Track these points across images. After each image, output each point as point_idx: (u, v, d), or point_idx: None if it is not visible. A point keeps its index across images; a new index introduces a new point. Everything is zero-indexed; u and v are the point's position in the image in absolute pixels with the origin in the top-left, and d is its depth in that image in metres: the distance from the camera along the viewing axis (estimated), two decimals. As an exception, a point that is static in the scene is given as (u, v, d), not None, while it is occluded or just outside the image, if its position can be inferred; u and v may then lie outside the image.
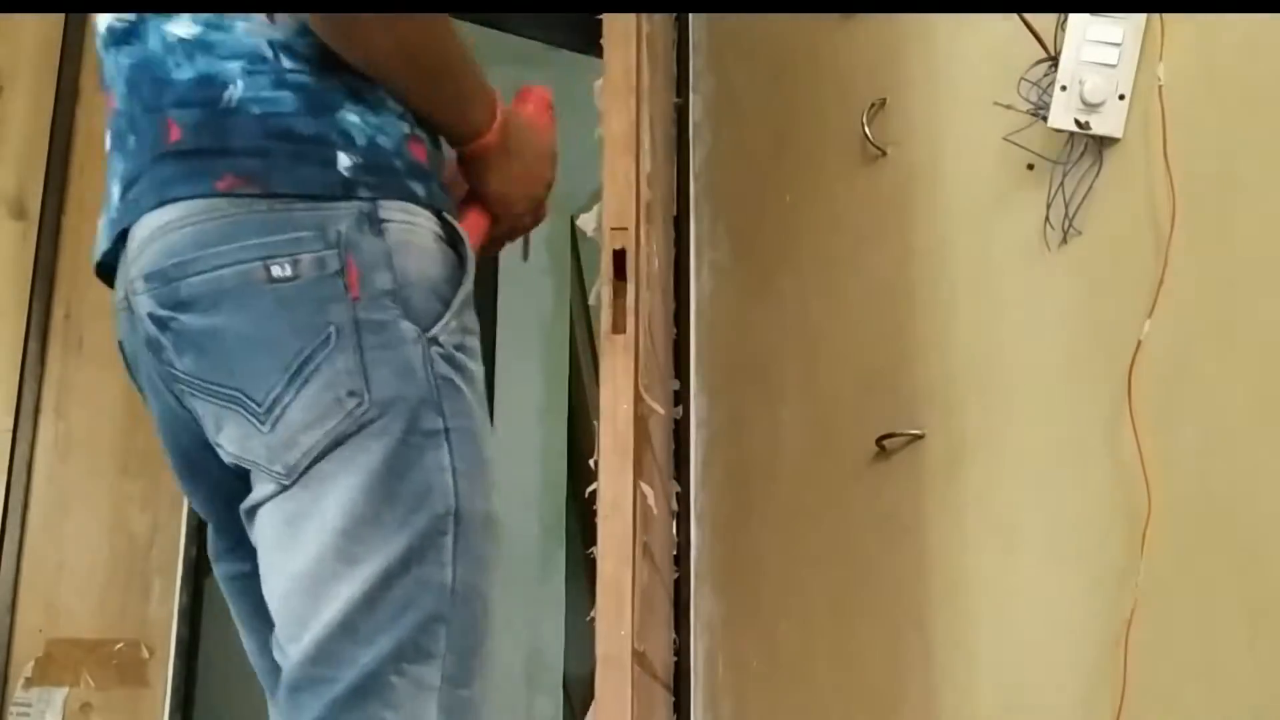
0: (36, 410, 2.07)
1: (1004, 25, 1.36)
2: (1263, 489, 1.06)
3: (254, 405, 0.91)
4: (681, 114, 2.26)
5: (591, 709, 1.62)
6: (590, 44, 2.14)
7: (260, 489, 0.94)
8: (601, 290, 1.81)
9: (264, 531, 0.96)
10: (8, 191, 2.12)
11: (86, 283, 2.15)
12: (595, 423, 1.71)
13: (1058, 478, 1.29)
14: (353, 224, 0.92)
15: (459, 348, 0.96)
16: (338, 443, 0.90)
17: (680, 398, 2.12)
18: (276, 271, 0.90)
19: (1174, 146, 1.16)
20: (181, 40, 0.96)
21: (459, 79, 1.02)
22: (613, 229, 1.77)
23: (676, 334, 2.15)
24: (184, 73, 0.95)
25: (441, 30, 0.99)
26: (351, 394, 0.90)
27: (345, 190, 0.92)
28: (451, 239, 0.99)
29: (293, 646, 0.93)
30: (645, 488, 1.66)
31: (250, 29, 0.95)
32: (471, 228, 1.06)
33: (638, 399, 1.69)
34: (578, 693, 3.88)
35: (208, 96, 0.94)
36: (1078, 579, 1.24)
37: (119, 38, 1.04)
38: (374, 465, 0.91)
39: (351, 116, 0.95)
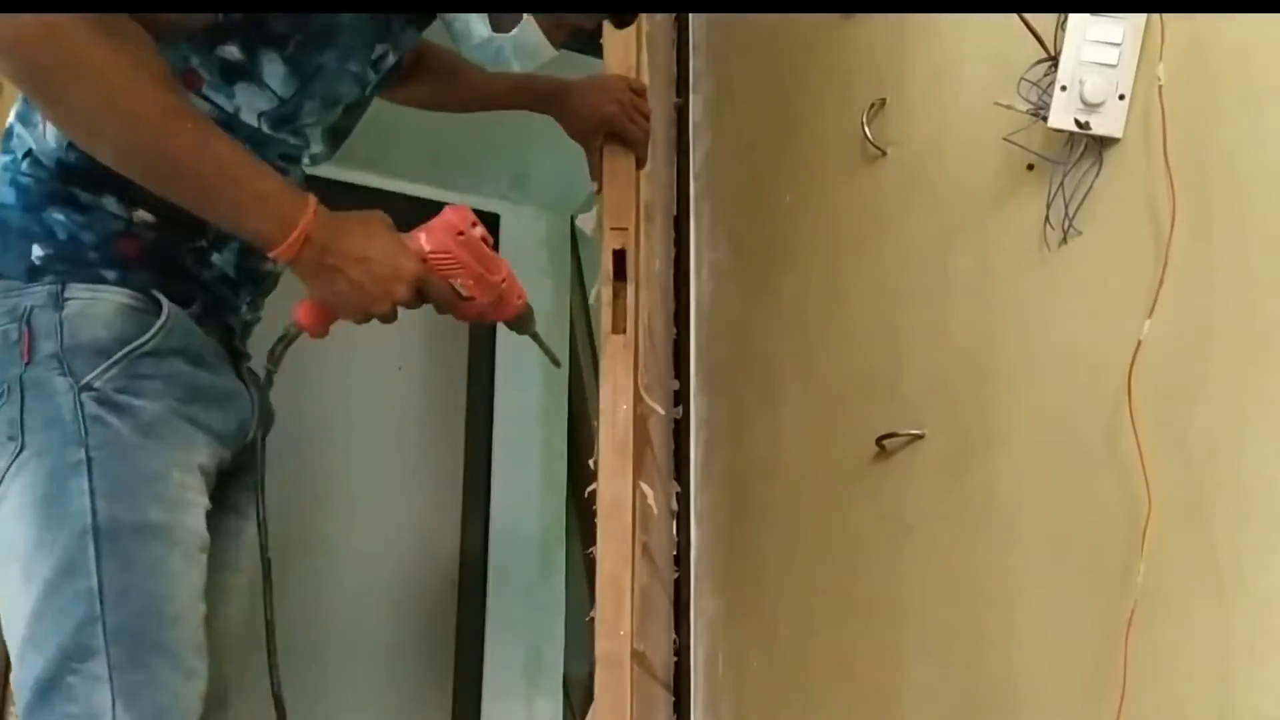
0: (36, 410, 2.06)
1: (1004, 25, 1.36)
2: (1263, 489, 1.06)
3: None
4: (681, 114, 2.26)
5: (592, 709, 1.62)
6: (590, 44, 2.13)
7: None
8: (601, 290, 1.81)
9: None
10: (8, 191, 2.12)
11: (86, 283, 2.14)
12: (595, 422, 1.71)
13: (1058, 478, 1.29)
14: (40, 302, 1.14)
15: (122, 390, 1.14)
16: (7, 478, 1.12)
17: (680, 398, 2.12)
18: None
19: (1174, 146, 1.16)
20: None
21: (224, 196, 1.13)
22: (612, 229, 1.77)
23: (676, 334, 2.15)
24: None
25: (213, 152, 1.11)
26: (10, 438, 1.12)
27: (31, 275, 1.15)
28: (150, 308, 1.18)
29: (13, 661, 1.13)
30: (645, 488, 1.66)
31: (22, 134, 1.18)
32: (305, 313, 1.21)
33: (637, 399, 1.69)
34: (578, 693, 3.88)
35: None
36: (1078, 579, 1.24)
37: None
38: (30, 499, 1.11)
39: (58, 215, 1.16)
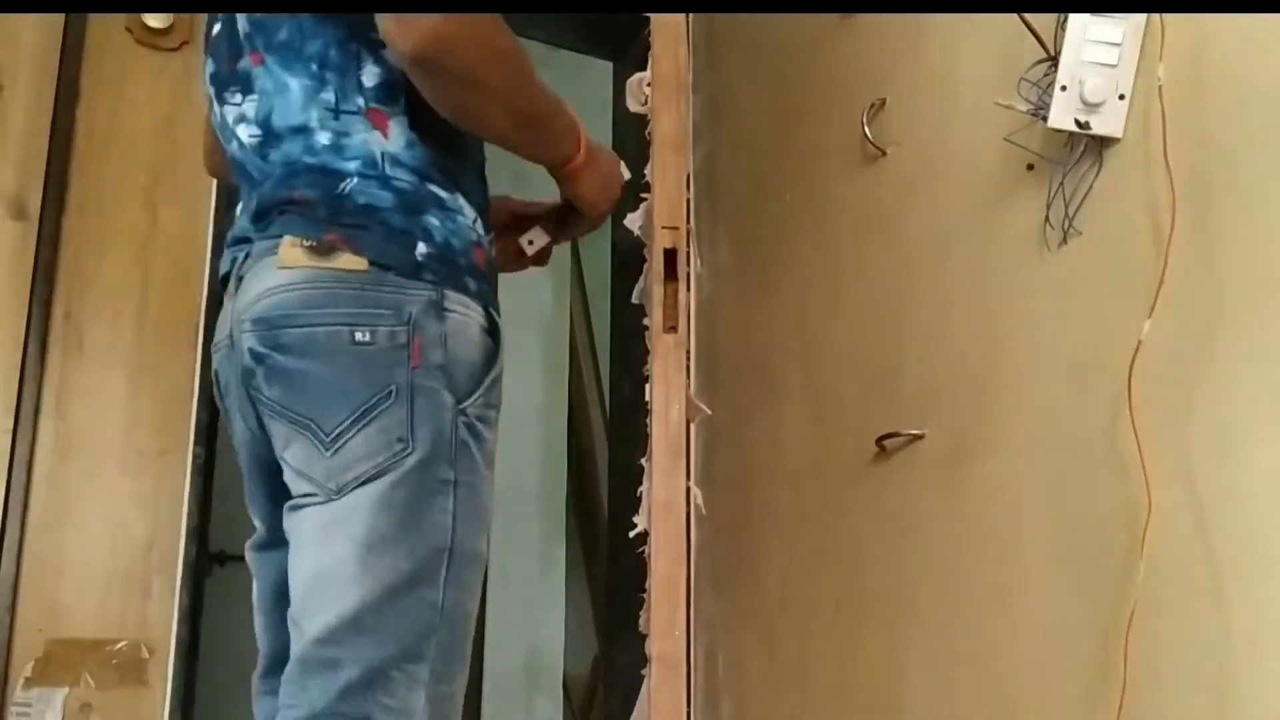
0: (36, 410, 2.07)
1: (1004, 25, 1.36)
2: (1263, 489, 1.06)
3: (322, 434, 1.17)
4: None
5: (638, 707, 1.62)
6: (590, 44, 2.14)
7: (306, 496, 1.20)
8: (651, 289, 1.81)
9: (303, 528, 1.20)
10: (8, 191, 2.12)
11: (86, 283, 2.15)
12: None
13: (1058, 478, 1.29)
14: (422, 308, 1.19)
15: (480, 419, 1.23)
16: (379, 474, 1.16)
17: (680, 398, 2.12)
18: (359, 336, 1.17)
19: (1174, 146, 1.16)
20: (312, 139, 1.24)
21: (553, 125, 1.32)
22: (663, 228, 1.78)
23: (676, 334, 2.15)
24: (308, 159, 1.23)
25: (540, 93, 1.28)
26: (400, 439, 1.16)
27: (415, 271, 1.20)
28: (492, 330, 1.27)
29: (309, 624, 1.17)
30: (695, 489, 1.67)
31: (368, 139, 1.23)
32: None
33: (689, 400, 1.70)
34: (578, 693, 3.88)
35: (328, 184, 1.22)
36: (1078, 579, 1.24)
37: (263, 141, 1.29)
38: (398, 498, 1.16)
39: (433, 220, 1.23)
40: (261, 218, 1.25)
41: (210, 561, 2.78)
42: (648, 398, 1.81)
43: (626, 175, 1.50)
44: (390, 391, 1.16)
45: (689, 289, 1.74)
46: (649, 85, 1.97)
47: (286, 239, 1.20)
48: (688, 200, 1.82)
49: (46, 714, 1.99)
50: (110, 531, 2.09)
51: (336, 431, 1.17)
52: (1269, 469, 1.05)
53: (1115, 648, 1.15)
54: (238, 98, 1.31)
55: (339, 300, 1.18)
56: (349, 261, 1.19)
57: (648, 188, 1.96)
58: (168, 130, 2.24)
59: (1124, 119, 1.23)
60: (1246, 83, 1.12)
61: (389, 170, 1.23)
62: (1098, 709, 1.18)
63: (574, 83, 3.25)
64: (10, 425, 2.04)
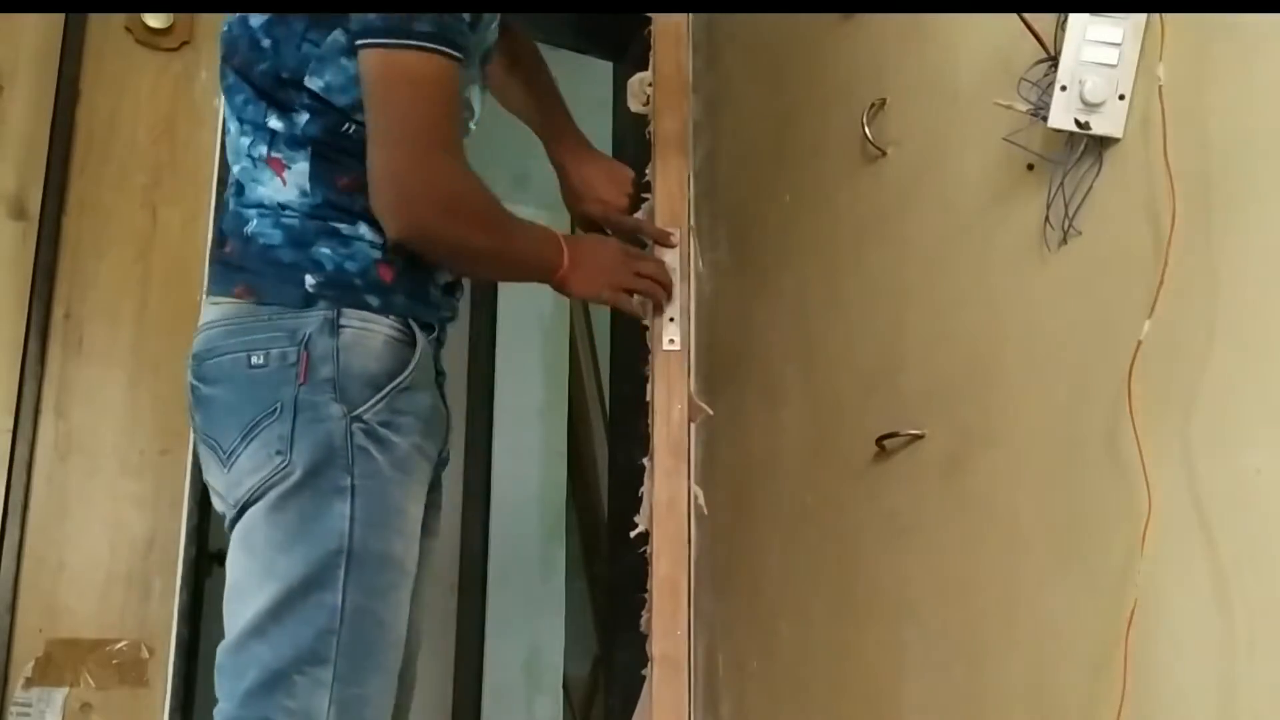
0: (36, 410, 2.07)
1: (1004, 25, 1.35)
2: (1263, 489, 1.06)
3: (221, 452, 1.28)
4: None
5: (639, 707, 1.62)
6: (590, 44, 2.14)
7: (225, 514, 1.32)
8: None
9: (230, 546, 1.31)
10: (8, 191, 2.12)
11: (86, 283, 2.15)
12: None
13: (1058, 478, 1.29)
14: (317, 327, 1.27)
15: (384, 424, 1.28)
16: (267, 487, 1.24)
17: (680, 398, 2.12)
18: (254, 360, 1.26)
19: (1174, 146, 1.16)
20: (238, 184, 1.39)
21: (535, 258, 1.48)
22: (666, 228, 1.77)
23: (676, 334, 2.15)
24: (231, 204, 1.39)
25: (519, 239, 1.45)
26: (279, 452, 1.23)
27: (306, 302, 1.29)
28: (408, 339, 1.34)
29: (227, 636, 1.27)
30: (697, 489, 1.67)
31: (268, 186, 1.35)
32: None
33: (691, 401, 1.70)
34: (578, 693, 3.88)
35: (239, 225, 1.36)
36: (1078, 579, 1.24)
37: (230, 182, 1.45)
38: (289, 508, 1.23)
39: (324, 249, 1.31)
40: (210, 269, 1.43)
41: (210, 561, 2.78)
42: (648, 398, 1.81)
43: (627, 178, 1.63)
44: (275, 408, 1.24)
45: (691, 289, 1.74)
46: (650, 85, 1.97)
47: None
48: (688, 200, 1.82)
49: (46, 714, 1.99)
50: (110, 531, 2.09)
51: (230, 449, 1.26)
52: (1269, 469, 1.05)
53: (1115, 648, 1.15)
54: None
55: (247, 330, 1.30)
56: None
57: (648, 187, 1.95)
58: (168, 130, 2.24)
59: (1124, 119, 1.23)
60: (1246, 83, 1.12)
61: (280, 212, 1.34)
62: (1098, 709, 1.18)
63: (574, 83, 3.25)
64: (10, 425, 2.04)
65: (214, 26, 2.29)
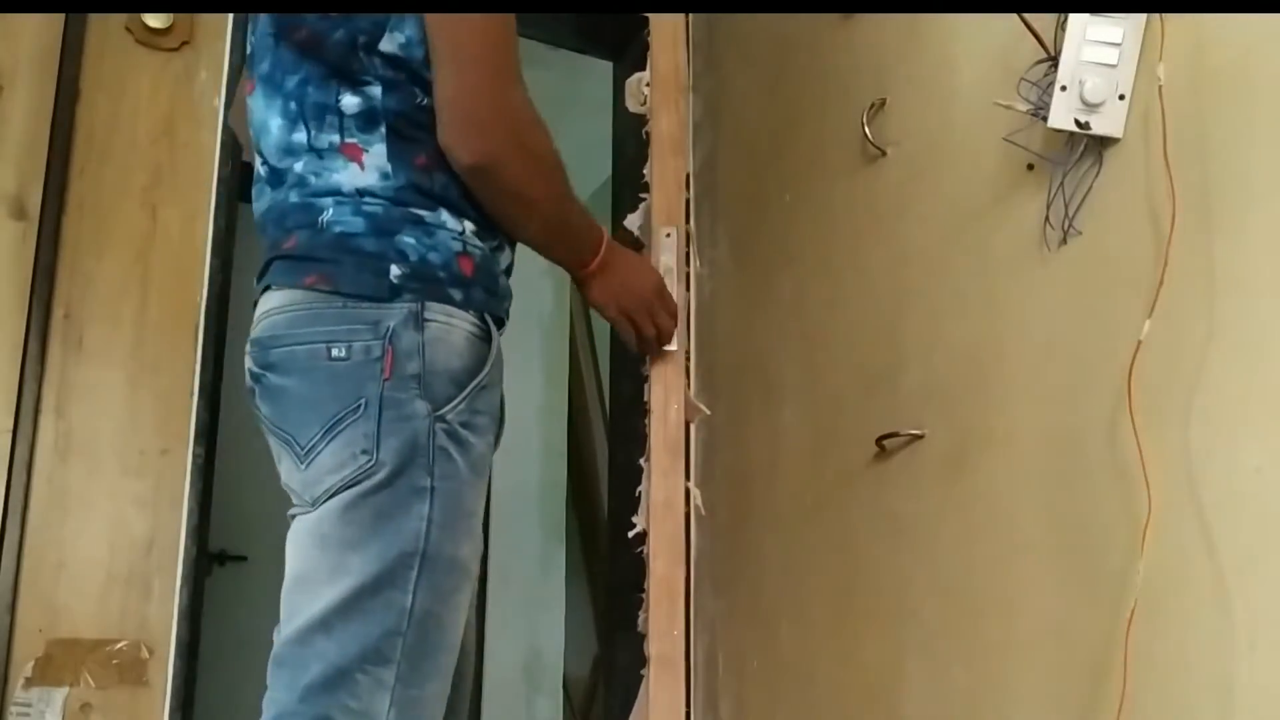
0: (36, 410, 2.06)
1: (1004, 25, 1.36)
2: (1263, 489, 1.06)
3: (298, 447, 1.22)
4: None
5: (636, 706, 1.61)
6: (590, 44, 2.14)
7: (295, 507, 1.27)
8: None
9: (291, 539, 1.26)
10: (8, 191, 2.12)
11: (86, 283, 2.14)
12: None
13: (1058, 478, 1.29)
14: (401, 321, 1.22)
15: (464, 425, 1.25)
16: (348, 486, 1.19)
17: (680, 398, 2.12)
18: (335, 353, 1.21)
19: (1174, 146, 1.16)
20: (300, 178, 1.31)
21: (578, 237, 1.43)
22: (663, 228, 1.77)
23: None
24: (294, 198, 1.31)
25: (573, 207, 1.39)
26: (364, 451, 1.19)
27: (392, 293, 1.23)
28: (485, 335, 1.30)
29: (286, 626, 1.23)
30: (694, 489, 1.67)
31: (343, 174, 1.29)
32: None
33: (688, 400, 1.69)
34: (578, 693, 3.88)
35: (309, 218, 1.29)
36: (1078, 579, 1.24)
37: (268, 180, 1.38)
38: (367, 506, 1.19)
39: (408, 239, 1.26)
40: (265, 267, 1.34)
41: (210, 561, 2.78)
42: (647, 398, 1.81)
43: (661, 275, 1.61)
44: (359, 405, 1.20)
45: (689, 289, 1.74)
46: (648, 85, 1.97)
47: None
48: (687, 200, 1.82)
49: (46, 714, 1.99)
50: (110, 531, 2.09)
51: (309, 445, 1.21)
52: (1269, 469, 1.05)
53: (1115, 648, 1.15)
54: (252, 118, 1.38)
55: (321, 319, 1.23)
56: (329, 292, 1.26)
57: (645, 187, 1.96)
58: (168, 130, 2.24)
59: (1124, 119, 1.23)
60: (1246, 83, 1.12)
61: (362, 198, 1.28)
62: (1098, 709, 1.18)
63: (574, 83, 3.26)
64: (10, 425, 2.04)
65: (214, 26, 2.30)
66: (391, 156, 1.29)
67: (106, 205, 2.18)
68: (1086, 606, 1.23)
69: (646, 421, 1.77)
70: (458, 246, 1.30)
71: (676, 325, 1.64)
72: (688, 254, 2.14)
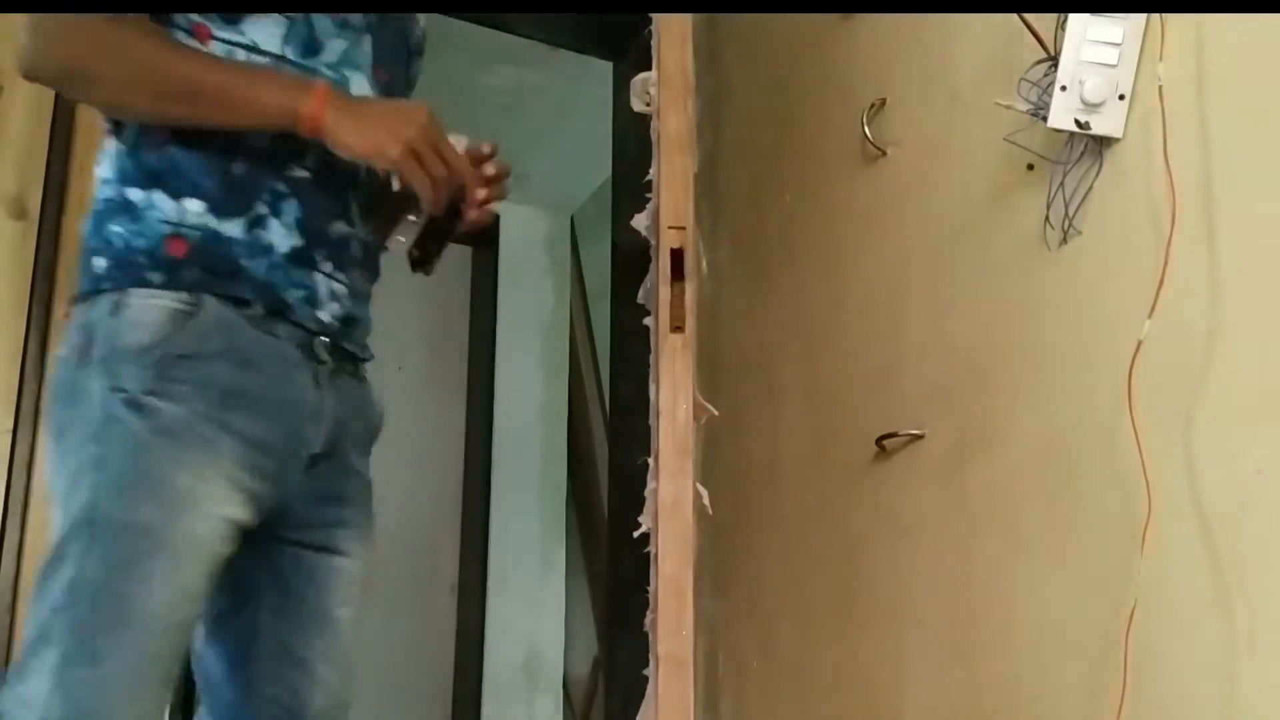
0: (36, 410, 2.06)
1: (1004, 25, 1.36)
2: (1262, 489, 1.06)
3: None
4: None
5: (644, 707, 1.61)
6: (590, 44, 2.13)
7: None
8: (657, 289, 1.80)
9: None
10: (8, 191, 2.12)
11: (86, 283, 2.14)
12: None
13: (1058, 478, 1.29)
14: (104, 311, 1.21)
15: (150, 393, 1.17)
16: (51, 473, 1.20)
17: (680, 398, 2.12)
18: (62, 352, 1.23)
19: (1174, 146, 1.16)
20: None
21: (229, 90, 1.23)
22: (670, 228, 1.77)
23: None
24: None
25: (186, 64, 1.23)
26: (57, 439, 1.20)
27: (96, 285, 1.22)
28: (192, 311, 1.22)
29: None
30: (701, 489, 1.66)
31: (97, 169, 1.30)
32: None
33: (696, 400, 1.69)
34: (578, 693, 3.88)
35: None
36: (1078, 579, 1.24)
37: None
38: (57, 490, 1.18)
39: (116, 228, 1.23)
40: None
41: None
42: (650, 397, 1.81)
43: (466, 145, 1.30)
44: (61, 399, 1.22)
45: (695, 289, 1.74)
46: (653, 85, 1.97)
47: None
48: (692, 200, 1.82)
49: (46, 714, 1.99)
50: (110, 531, 2.09)
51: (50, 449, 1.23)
52: (1269, 469, 1.05)
53: (1115, 648, 1.15)
54: None
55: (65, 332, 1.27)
56: None
57: (648, 187, 1.96)
58: (168, 130, 2.24)
59: (1124, 119, 1.23)
60: (1246, 83, 1.12)
61: (97, 192, 1.29)
62: (1098, 709, 1.18)
63: (574, 83, 3.26)
64: (10, 425, 2.04)
65: (214, 26, 2.30)
66: (116, 142, 1.29)
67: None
68: (1086, 606, 1.22)
69: (648, 421, 1.77)
70: (167, 230, 1.23)
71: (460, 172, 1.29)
72: (696, 253, 2.14)
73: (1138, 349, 1.17)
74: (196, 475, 1.18)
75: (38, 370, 2.07)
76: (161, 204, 1.24)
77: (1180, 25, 1.18)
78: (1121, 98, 1.22)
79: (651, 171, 1.94)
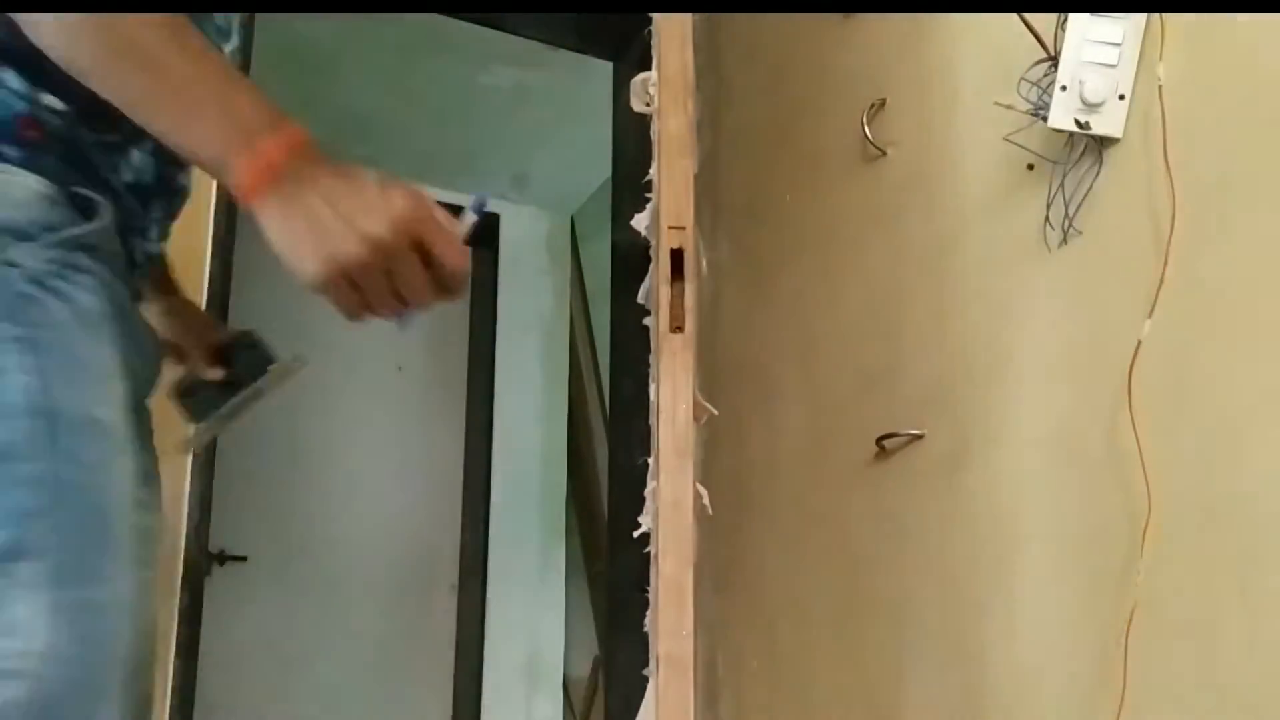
0: (36, 410, 2.06)
1: (1004, 25, 1.36)
2: (1263, 489, 1.06)
3: None
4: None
5: (644, 707, 1.61)
6: (590, 44, 2.13)
7: None
8: (657, 289, 1.80)
9: None
10: (8, 191, 2.11)
11: (86, 283, 2.14)
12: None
13: (1058, 478, 1.29)
14: None
15: (55, 275, 0.98)
16: None
17: (680, 398, 2.12)
18: None
19: (1174, 146, 1.16)
20: None
21: (171, 85, 0.95)
22: (670, 228, 1.77)
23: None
24: None
25: (187, 45, 0.96)
26: None
27: None
28: (64, 202, 1.02)
29: None
30: (701, 489, 1.66)
31: None
32: None
33: (696, 400, 1.69)
34: (578, 693, 3.88)
35: None
36: (1078, 579, 1.24)
37: None
38: None
39: None
40: None
41: (210, 561, 2.77)
42: (650, 397, 1.81)
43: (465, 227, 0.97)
44: None
45: (695, 289, 1.74)
46: (654, 85, 1.97)
47: None
48: (693, 200, 1.82)
49: (46, 714, 1.99)
50: (110, 531, 2.08)
51: None
52: (1269, 469, 1.05)
53: (1115, 648, 1.15)
54: None
55: None
56: None
57: (648, 187, 1.96)
58: (168, 130, 2.24)
59: (1124, 119, 1.23)
60: (1246, 83, 1.12)
61: None
62: (1098, 709, 1.18)
63: (574, 83, 3.26)
64: (10, 425, 2.03)
65: (214, 26, 2.30)
66: None
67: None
68: (1086, 606, 1.23)
69: (648, 421, 1.77)
70: (20, 106, 1.03)
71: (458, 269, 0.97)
72: (696, 253, 2.14)
73: (1138, 349, 1.17)
74: (119, 378, 1.03)
75: (38, 370, 2.07)
76: (12, 82, 1.04)
77: (1180, 25, 1.18)
78: (1121, 98, 1.22)
79: (651, 171, 1.95)
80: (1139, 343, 1.17)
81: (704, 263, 2.14)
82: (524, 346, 3.83)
